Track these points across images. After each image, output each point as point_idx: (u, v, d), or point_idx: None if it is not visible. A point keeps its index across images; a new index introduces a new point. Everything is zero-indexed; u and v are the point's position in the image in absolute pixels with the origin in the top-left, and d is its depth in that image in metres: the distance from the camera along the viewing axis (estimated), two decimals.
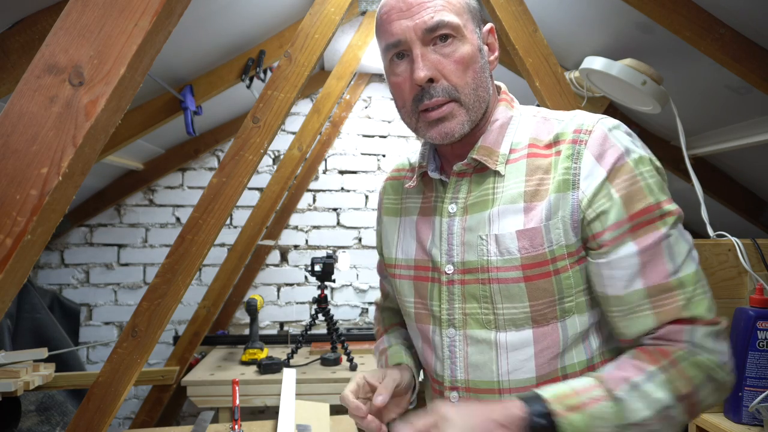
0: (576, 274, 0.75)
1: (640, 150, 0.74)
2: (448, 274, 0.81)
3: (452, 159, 0.85)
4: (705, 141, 1.83)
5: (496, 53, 0.84)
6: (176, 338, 2.82)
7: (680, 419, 0.68)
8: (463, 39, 0.77)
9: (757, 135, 1.60)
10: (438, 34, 0.76)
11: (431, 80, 0.76)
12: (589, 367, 0.76)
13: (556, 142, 0.78)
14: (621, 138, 0.74)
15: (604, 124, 0.75)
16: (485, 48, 0.82)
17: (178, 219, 3.06)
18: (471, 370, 0.79)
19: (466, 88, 0.77)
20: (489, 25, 0.84)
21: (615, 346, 0.78)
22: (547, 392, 0.66)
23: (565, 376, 0.76)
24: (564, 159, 0.75)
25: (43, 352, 1.90)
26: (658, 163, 0.75)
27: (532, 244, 0.74)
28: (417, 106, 0.78)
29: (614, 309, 0.73)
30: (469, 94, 0.77)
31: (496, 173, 0.80)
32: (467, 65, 0.77)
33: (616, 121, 0.77)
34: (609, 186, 0.72)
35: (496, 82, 0.88)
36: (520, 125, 0.83)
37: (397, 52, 0.78)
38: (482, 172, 0.81)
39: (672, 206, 0.73)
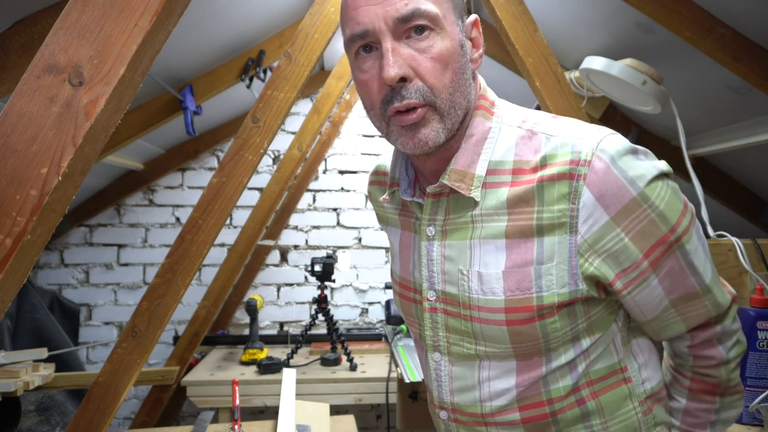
0: (563, 318, 0.69)
1: (646, 171, 0.65)
2: (431, 300, 0.77)
3: (427, 174, 0.77)
4: (705, 141, 1.82)
5: (481, 50, 0.73)
6: (176, 338, 2.82)
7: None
8: (442, 32, 0.66)
9: (757, 135, 1.60)
10: (413, 25, 0.65)
11: (403, 79, 0.65)
12: (574, 390, 0.73)
13: (542, 165, 0.68)
14: (625, 167, 0.65)
15: (604, 152, 0.65)
16: (468, 44, 0.71)
17: (178, 219, 3.06)
18: (456, 393, 0.77)
19: (443, 91, 0.66)
20: (473, 17, 0.73)
21: (608, 364, 0.75)
22: None
23: (550, 401, 0.73)
24: (560, 198, 0.66)
25: (43, 352, 1.90)
26: (665, 169, 0.68)
27: (519, 287, 0.68)
28: (386, 108, 0.68)
29: (649, 327, 0.76)
30: (445, 99, 0.67)
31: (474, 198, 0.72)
32: (446, 64, 0.66)
33: (617, 143, 0.66)
34: (615, 228, 0.65)
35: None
36: (499, 140, 0.72)
37: (363, 44, 0.67)
38: (459, 193, 0.73)
39: (684, 221, 0.68)
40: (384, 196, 0.83)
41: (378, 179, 0.92)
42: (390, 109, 0.67)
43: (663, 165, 0.68)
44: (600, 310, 0.72)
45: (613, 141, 0.66)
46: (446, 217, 0.74)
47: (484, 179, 0.71)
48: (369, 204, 3.21)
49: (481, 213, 0.71)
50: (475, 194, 0.70)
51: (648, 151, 0.69)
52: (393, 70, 0.64)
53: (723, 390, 0.78)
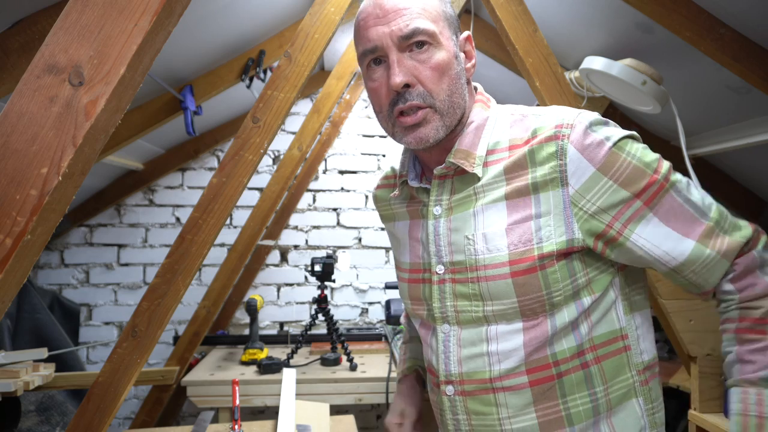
0: (563, 268, 0.76)
1: (618, 132, 0.77)
2: (439, 273, 0.84)
3: (432, 165, 0.87)
4: (705, 141, 1.82)
5: (474, 60, 0.86)
6: (176, 338, 2.82)
7: None
8: (438, 46, 0.79)
9: (757, 135, 1.60)
10: (414, 41, 0.77)
11: (407, 86, 0.78)
12: (579, 353, 0.78)
13: (533, 136, 0.79)
14: (599, 129, 0.77)
15: (583, 117, 0.78)
16: (462, 55, 0.84)
17: (178, 219, 3.06)
18: (464, 362, 0.81)
19: (441, 94, 0.79)
20: (466, 33, 0.86)
21: (610, 329, 0.80)
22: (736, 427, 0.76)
23: (556, 363, 0.78)
24: (548, 156, 0.77)
25: (43, 352, 1.90)
26: (634, 133, 0.79)
27: (521, 240, 0.77)
28: (393, 110, 0.80)
29: (683, 275, 0.78)
30: (443, 101, 0.79)
31: (476, 175, 0.82)
32: (443, 72, 0.79)
33: (594, 114, 0.79)
34: (603, 178, 0.75)
35: (473, 83, 0.91)
36: (496, 125, 0.84)
37: (374, 57, 0.80)
38: (463, 174, 0.83)
39: (665, 165, 0.77)
40: (394, 192, 0.93)
41: (386, 182, 1.01)
42: (396, 109, 0.79)
43: (632, 132, 0.79)
44: (598, 266, 0.79)
45: (591, 113, 0.80)
46: (451, 196, 0.84)
47: (485, 158, 0.82)
48: (369, 204, 3.21)
49: (483, 185, 0.81)
50: (478, 170, 0.81)
51: (617, 125, 0.81)
52: (398, 77, 0.77)
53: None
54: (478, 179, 0.81)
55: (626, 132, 0.78)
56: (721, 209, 0.78)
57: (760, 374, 0.74)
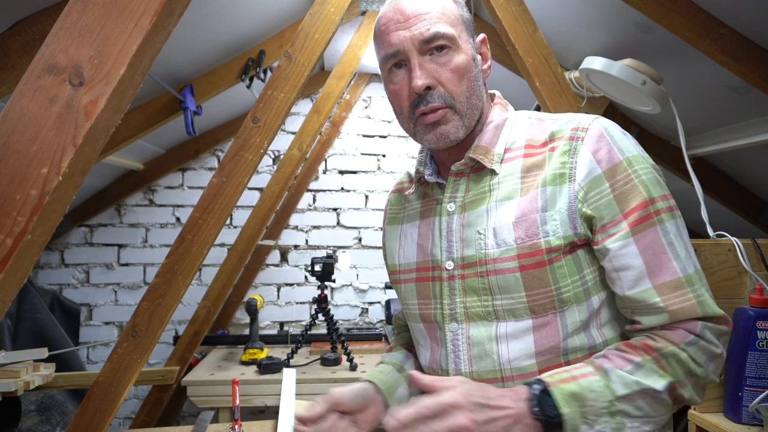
0: (569, 263, 0.76)
1: (633, 148, 0.78)
2: (449, 270, 0.84)
3: (449, 164, 0.88)
4: (705, 141, 1.83)
5: (489, 62, 0.89)
6: (176, 338, 2.82)
7: (667, 402, 0.72)
8: (458, 49, 0.81)
9: (757, 135, 1.60)
10: (434, 45, 0.79)
11: (428, 88, 0.80)
12: (591, 354, 0.77)
13: (551, 139, 0.81)
14: (616, 136, 0.78)
15: (600, 122, 0.79)
16: (479, 57, 0.86)
17: (178, 219, 3.06)
18: (474, 361, 0.81)
19: (461, 96, 0.81)
20: (482, 36, 0.88)
21: (618, 333, 0.79)
22: (546, 374, 0.72)
23: (568, 363, 0.77)
24: (560, 154, 0.78)
25: (43, 352, 1.90)
26: (651, 161, 0.79)
27: (527, 233, 0.77)
28: (414, 111, 0.82)
29: (625, 306, 0.77)
30: (463, 102, 0.81)
31: (492, 171, 0.83)
32: (462, 74, 0.81)
33: (611, 121, 0.80)
34: (604, 183, 0.75)
35: (490, 90, 0.92)
36: (514, 126, 0.87)
37: (395, 61, 0.82)
38: (479, 171, 0.85)
39: (666, 203, 0.75)
40: (410, 190, 0.94)
41: (401, 187, 1.02)
42: (417, 111, 0.81)
43: (645, 153, 0.79)
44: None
45: (607, 120, 0.81)
46: (465, 194, 0.85)
47: (502, 156, 0.84)
48: (369, 204, 3.21)
49: (498, 182, 0.83)
50: (496, 167, 0.83)
51: (637, 142, 0.81)
52: (420, 80, 0.79)
53: (653, 352, 0.72)
54: (494, 176, 0.83)
55: (643, 151, 0.78)
56: (700, 275, 0.75)
57: (605, 367, 0.71)
